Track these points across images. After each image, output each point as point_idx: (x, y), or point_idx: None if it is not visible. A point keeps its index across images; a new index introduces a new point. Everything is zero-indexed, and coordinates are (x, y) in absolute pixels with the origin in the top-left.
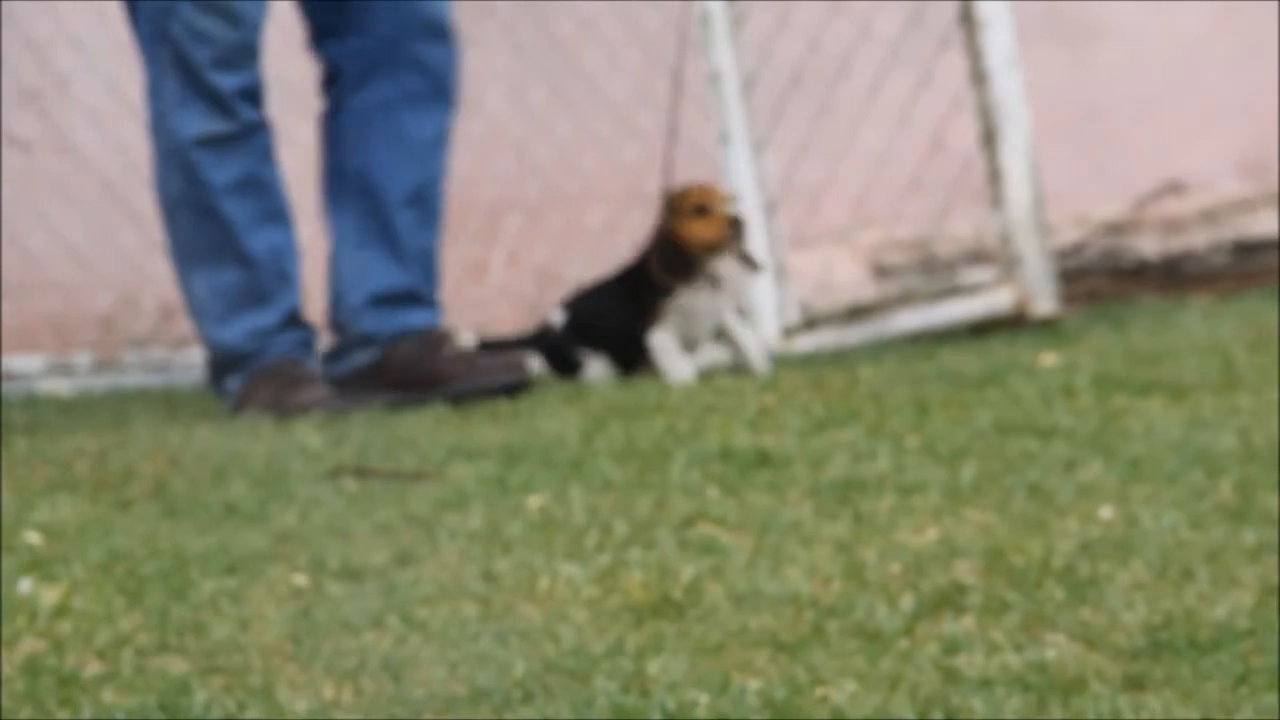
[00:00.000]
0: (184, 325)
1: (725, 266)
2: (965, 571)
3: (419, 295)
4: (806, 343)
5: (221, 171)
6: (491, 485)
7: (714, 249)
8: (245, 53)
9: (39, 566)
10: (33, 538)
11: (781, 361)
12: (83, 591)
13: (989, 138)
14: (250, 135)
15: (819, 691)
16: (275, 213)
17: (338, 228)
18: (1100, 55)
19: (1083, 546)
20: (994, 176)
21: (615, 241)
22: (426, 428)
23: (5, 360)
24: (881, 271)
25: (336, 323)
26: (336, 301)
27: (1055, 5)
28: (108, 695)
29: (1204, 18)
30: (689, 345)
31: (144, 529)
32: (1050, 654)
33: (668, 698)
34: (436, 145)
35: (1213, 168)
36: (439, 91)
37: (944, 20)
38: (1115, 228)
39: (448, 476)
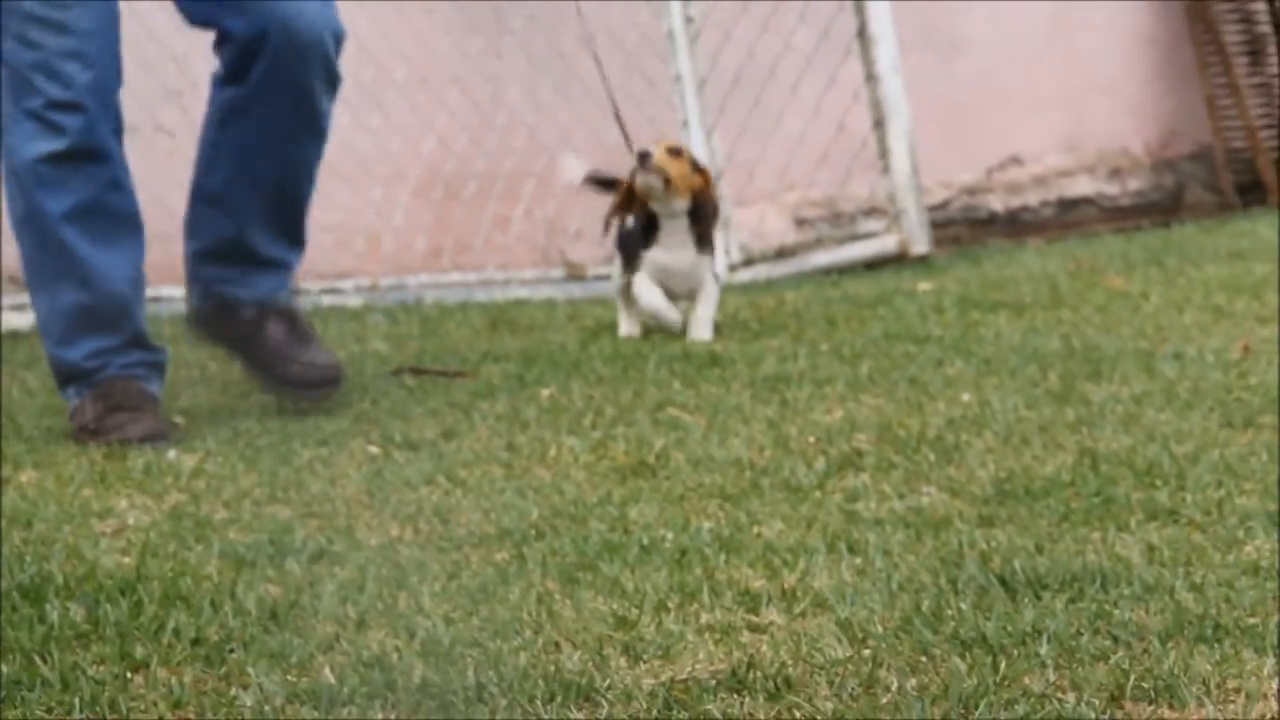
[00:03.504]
0: None
1: (680, 231)
2: (863, 441)
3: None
4: (746, 275)
5: (57, 200)
6: (513, 380)
7: (678, 188)
8: (77, 64)
9: (182, 440)
10: (177, 419)
11: (727, 289)
12: (213, 458)
13: (879, 124)
14: (86, 159)
15: (755, 530)
16: (119, 237)
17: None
18: (961, 63)
19: (949, 422)
20: (883, 152)
21: (604, 199)
22: (465, 339)
23: (158, 290)
24: (801, 222)
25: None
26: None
27: (928, 25)
28: (231, 534)
29: (1037, 36)
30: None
31: (258, 412)
32: (925, 501)
33: (643, 535)
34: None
35: (1042, 146)
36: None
37: (846, 36)
38: (972, 190)
39: (481, 374)
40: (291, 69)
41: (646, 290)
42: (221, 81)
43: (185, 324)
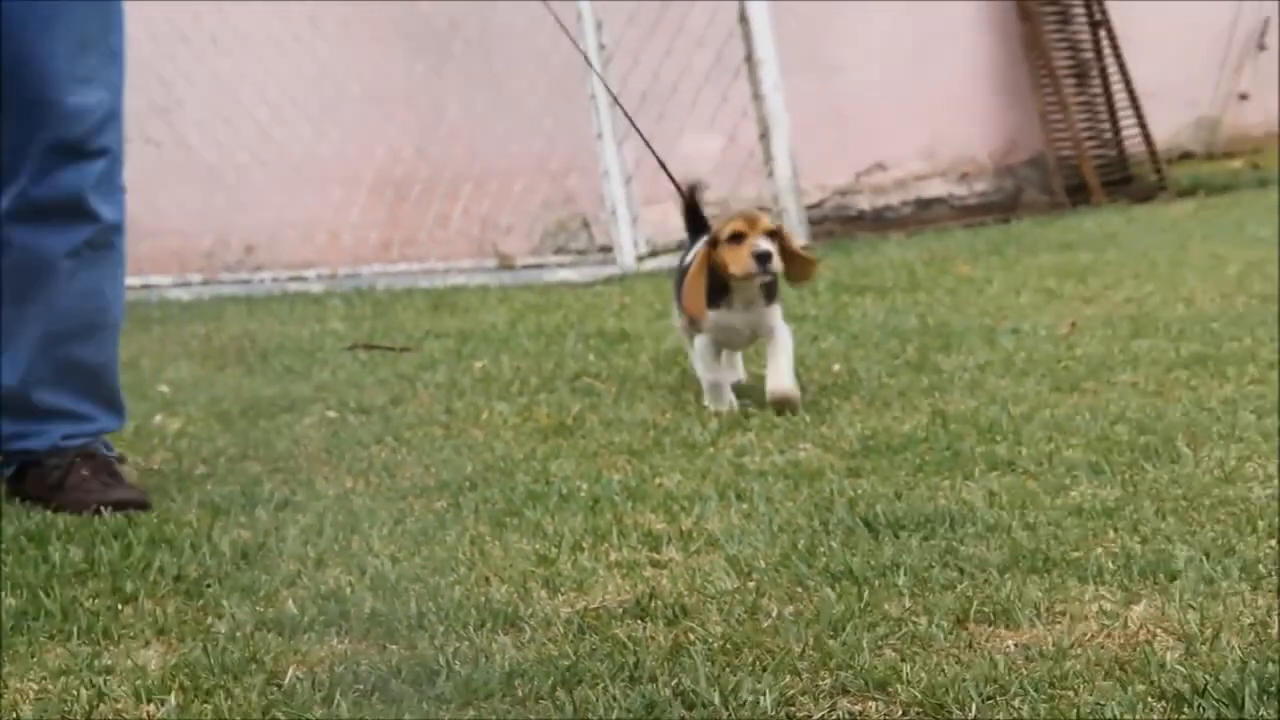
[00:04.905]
0: (260, 257)
1: (752, 292)
2: (749, 404)
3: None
4: (651, 264)
5: None
6: (452, 354)
7: (746, 276)
8: None
9: (167, 406)
10: (163, 388)
11: (635, 276)
12: (194, 422)
13: (764, 135)
14: None
15: (657, 480)
16: None
17: None
18: (834, 83)
19: (822, 388)
20: (767, 159)
21: (531, 199)
22: (411, 319)
23: (148, 279)
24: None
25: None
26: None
27: (806, 52)
28: (209, 486)
29: (899, 62)
30: (730, 348)
31: (233, 382)
32: (802, 455)
33: (562, 485)
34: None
35: (903, 154)
36: None
37: (736, 60)
38: (843, 192)
39: (424, 349)
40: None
41: (705, 364)
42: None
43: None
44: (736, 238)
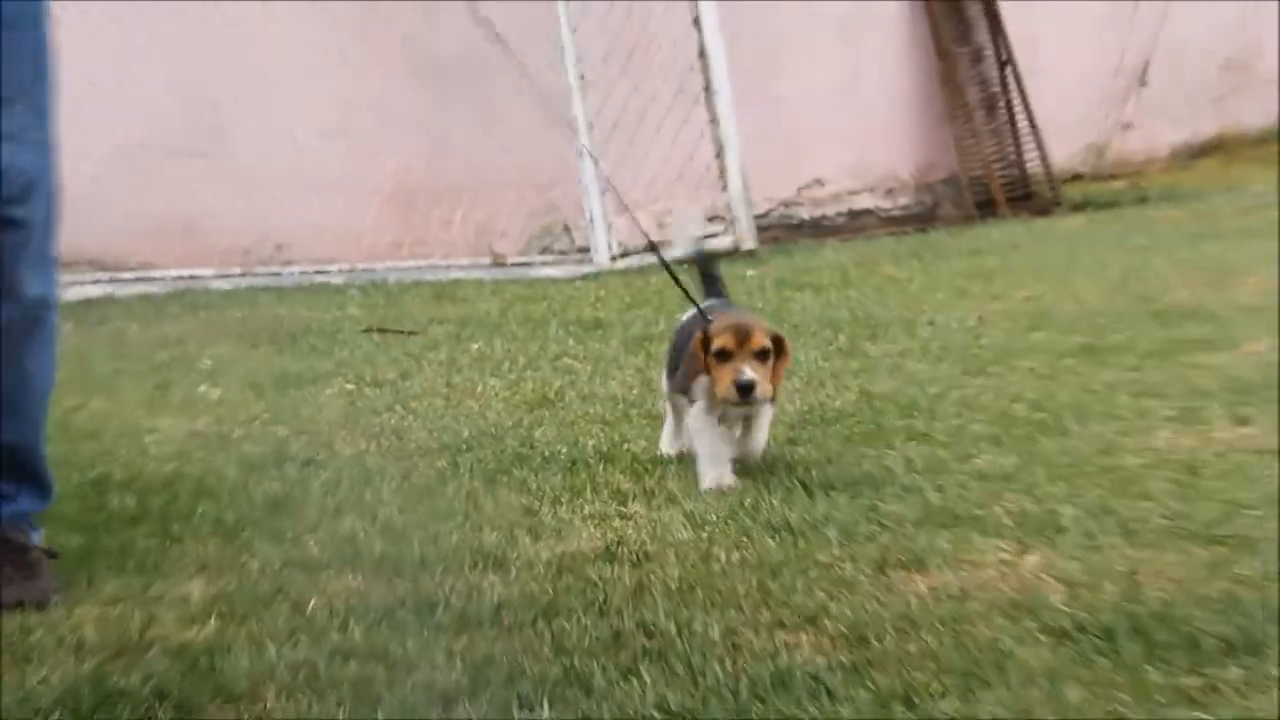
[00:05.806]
0: (290, 253)
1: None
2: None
3: None
4: (622, 264)
5: None
6: (452, 337)
7: (735, 394)
8: None
9: (210, 377)
10: (206, 362)
11: (608, 273)
12: (232, 391)
13: (719, 154)
14: None
15: (625, 446)
16: None
17: None
18: (780, 110)
19: None
20: (722, 174)
21: (521, 208)
22: (417, 307)
23: (196, 271)
24: (662, 225)
25: None
26: None
27: (756, 83)
28: (245, 446)
29: (834, 92)
30: (725, 423)
31: (265, 358)
32: None
33: (545, 449)
34: None
35: (837, 171)
36: None
37: (695, 89)
38: (787, 203)
39: (429, 333)
40: None
41: (707, 437)
42: None
43: None
44: (723, 355)
